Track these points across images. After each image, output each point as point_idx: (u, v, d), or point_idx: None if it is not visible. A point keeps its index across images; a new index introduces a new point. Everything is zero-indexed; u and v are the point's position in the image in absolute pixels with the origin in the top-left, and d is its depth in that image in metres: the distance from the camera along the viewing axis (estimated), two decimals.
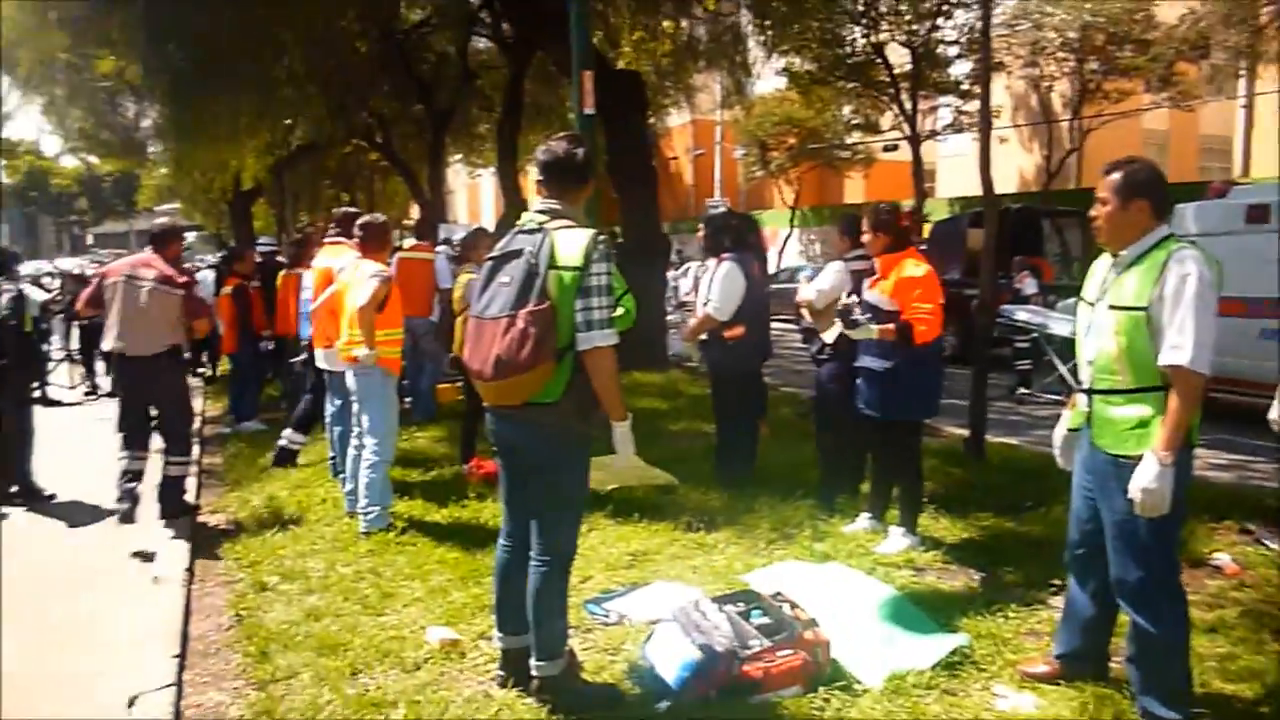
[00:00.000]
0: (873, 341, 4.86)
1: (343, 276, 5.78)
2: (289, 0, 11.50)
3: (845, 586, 4.22)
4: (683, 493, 5.97)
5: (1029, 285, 11.91)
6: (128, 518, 6.00)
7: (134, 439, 6.16)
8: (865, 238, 5.03)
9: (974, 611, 4.12)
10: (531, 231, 3.23)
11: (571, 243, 3.15)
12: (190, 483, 6.65)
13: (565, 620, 3.44)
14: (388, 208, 28.75)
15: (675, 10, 15.69)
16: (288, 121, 17.81)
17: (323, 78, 14.47)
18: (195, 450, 7.15)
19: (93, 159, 38.27)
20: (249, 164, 21.01)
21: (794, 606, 3.70)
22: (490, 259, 3.33)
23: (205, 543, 5.62)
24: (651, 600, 4.23)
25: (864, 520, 5.27)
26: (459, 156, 27.43)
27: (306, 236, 9.46)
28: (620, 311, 3.29)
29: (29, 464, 6.85)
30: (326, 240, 6.95)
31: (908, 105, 20.67)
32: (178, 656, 4.03)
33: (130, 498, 6.05)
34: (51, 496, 6.82)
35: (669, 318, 14.68)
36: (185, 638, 4.25)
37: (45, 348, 10.61)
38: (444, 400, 9.08)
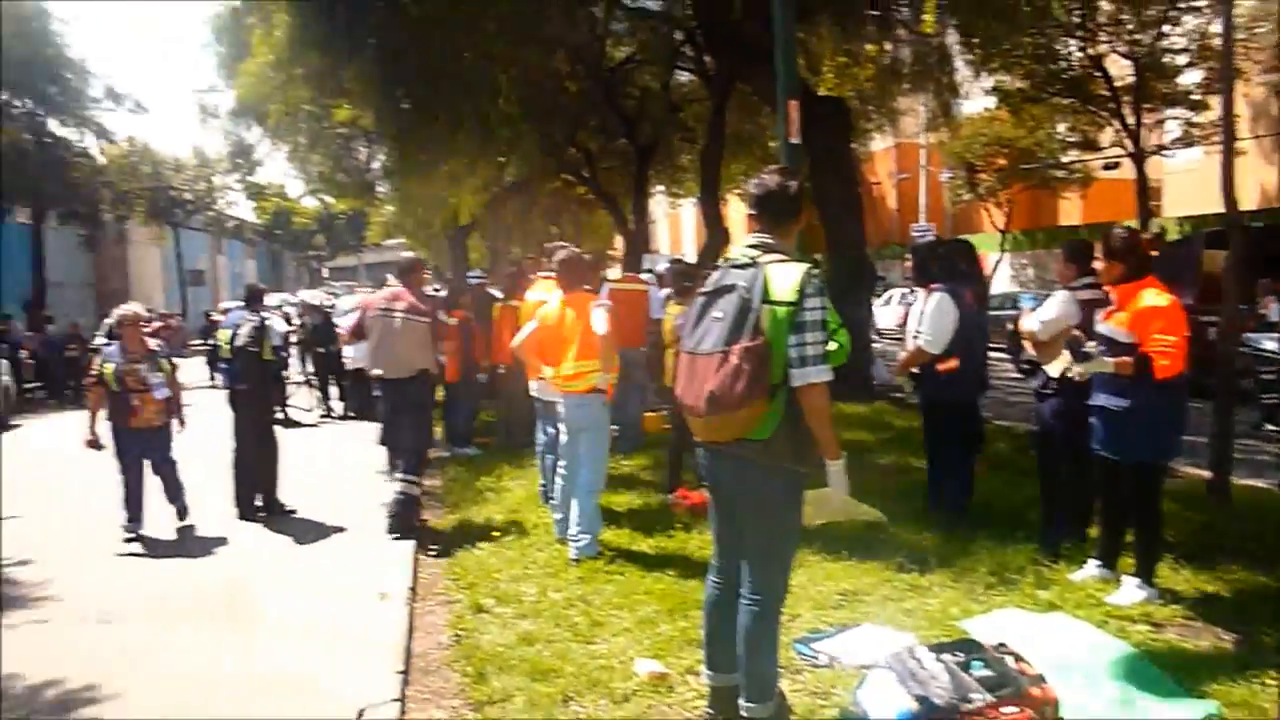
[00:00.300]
0: (1109, 377, 4.52)
1: (541, 311, 5.96)
2: (505, 44, 12.14)
3: (1074, 640, 3.94)
4: (893, 531, 5.76)
5: (1275, 311, 10.88)
6: (396, 530, 6.47)
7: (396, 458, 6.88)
8: (1098, 265, 4.71)
9: (1225, 676, 3.75)
10: (744, 266, 3.21)
11: (785, 277, 3.12)
12: None
13: (776, 661, 3.38)
14: (593, 239, 29.64)
15: (879, 34, 15.39)
16: (502, 159, 18.70)
17: (535, 116, 15.14)
18: None
19: (329, 199, 41.58)
20: (466, 200, 22.18)
21: (1018, 659, 3.49)
22: (702, 293, 3.33)
23: (427, 562, 5.92)
24: (863, 643, 4.10)
25: (1093, 567, 4.90)
26: (661, 187, 27.90)
27: (520, 269, 9.84)
28: (834, 347, 3.21)
29: (274, 481, 7.44)
30: (540, 274, 7.22)
31: (1130, 119, 19.38)
32: (402, 672, 4.25)
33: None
34: (292, 511, 7.38)
35: (873, 346, 14.33)
36: (409, 654, 4.48)
37: (285, 374, 11.52)
38: (649, 429, 9.22)
